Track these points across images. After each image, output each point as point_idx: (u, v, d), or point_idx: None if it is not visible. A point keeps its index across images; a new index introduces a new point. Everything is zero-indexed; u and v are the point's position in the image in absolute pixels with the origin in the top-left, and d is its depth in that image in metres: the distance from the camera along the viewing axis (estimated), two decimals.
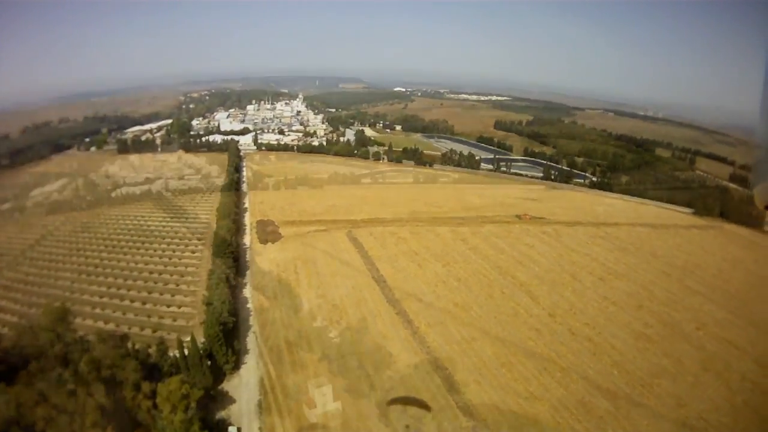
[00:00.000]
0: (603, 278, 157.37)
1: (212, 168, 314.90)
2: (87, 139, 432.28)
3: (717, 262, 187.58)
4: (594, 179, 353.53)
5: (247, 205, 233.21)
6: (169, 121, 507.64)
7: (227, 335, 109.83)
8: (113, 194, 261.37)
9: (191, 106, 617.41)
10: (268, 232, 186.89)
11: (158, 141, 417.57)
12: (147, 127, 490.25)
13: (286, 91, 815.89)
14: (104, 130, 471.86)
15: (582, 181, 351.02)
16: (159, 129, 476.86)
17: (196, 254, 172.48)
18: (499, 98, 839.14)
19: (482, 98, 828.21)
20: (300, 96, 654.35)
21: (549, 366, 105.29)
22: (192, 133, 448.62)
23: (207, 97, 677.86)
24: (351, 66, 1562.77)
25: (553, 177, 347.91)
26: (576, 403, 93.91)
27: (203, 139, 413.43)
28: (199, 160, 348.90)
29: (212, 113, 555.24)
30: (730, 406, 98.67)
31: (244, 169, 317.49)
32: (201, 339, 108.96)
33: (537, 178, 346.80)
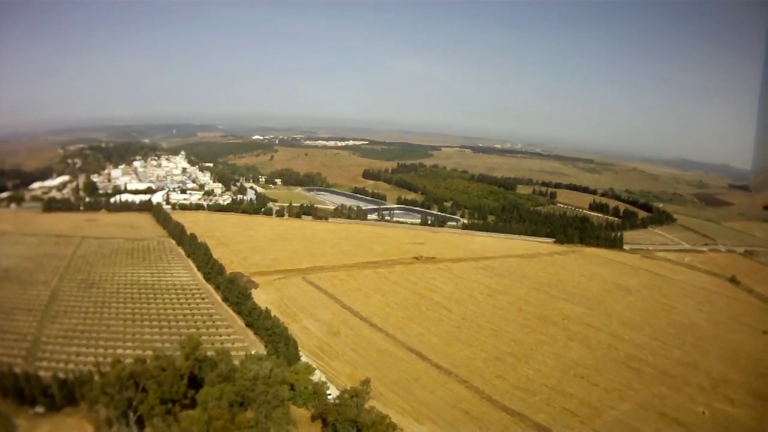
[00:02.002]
0: (490, 295, 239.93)
1: (149, 227, 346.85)
2: (1, 196, 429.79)
3: (576, 278, 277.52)
4: (465, 221, 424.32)
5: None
6: (67, 177, 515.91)
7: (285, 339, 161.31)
8: (84, 250, 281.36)
9: (76, 161, 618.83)
10: (244, 281, 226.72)
11: (72, 199, 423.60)
12: (48, 183, 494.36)
13: (147, 141, 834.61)
14: (9, 185, 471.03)
15: (455, 224, 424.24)
16: (63, 186, 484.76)
17: (205, 300, 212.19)
18: (356, 143, 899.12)
19: (340, 143, 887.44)
20: (182, 153, 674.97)
21: (473, 344, 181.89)
22: (100, 192, 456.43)
23: (87, 152, 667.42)
24: (203, 111, 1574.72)
25: (430, 222, 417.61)
26: (494, 359, 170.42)
27: (119, 198, 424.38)
28: (129, 219, 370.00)
29: (104, 169, 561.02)
30: (592, 357, 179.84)
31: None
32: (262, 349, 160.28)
33: (416, 224, 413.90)
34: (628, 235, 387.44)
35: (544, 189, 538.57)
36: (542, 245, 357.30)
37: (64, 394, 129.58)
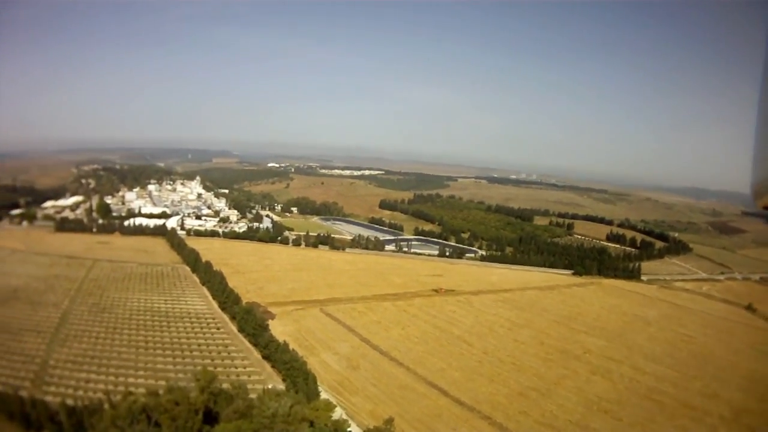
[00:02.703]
0: (511, 329, 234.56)
1: (162, 252, 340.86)
2: (11, 213, 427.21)
3: (595, 310, 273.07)
4: (483, 253, 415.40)
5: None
6: (80, 198, 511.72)
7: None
8: (96, 273, 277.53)
9: (90, 181, 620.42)
10: (261, 312, 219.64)
11: (85, 220, 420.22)
12: (61, 203, 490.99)
13: (162, 165, 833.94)
14: (22, 202, 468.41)
15: (473, 255, 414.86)
16: (76, 206, 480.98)
17: (221, 330, 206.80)
18: (372, 172, 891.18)
19: (355, 173, 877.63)
20: (198, 178, 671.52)
21: (495, 378, 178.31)
22: (114, 214, 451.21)
23: (101, 173, 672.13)
24: (218, 137, 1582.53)
25: (447, 254, 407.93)
26: (517, 395, 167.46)
27: (133, 221, 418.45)
28: (143, 243, 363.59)
29: (117, 191, 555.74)
30: (615, 390, 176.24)
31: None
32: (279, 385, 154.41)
33: (433, 255, 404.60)
34: (646, 265, 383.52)
35: (561, 220, 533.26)
36: (561, 277, 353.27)
37: (73, 422, 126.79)
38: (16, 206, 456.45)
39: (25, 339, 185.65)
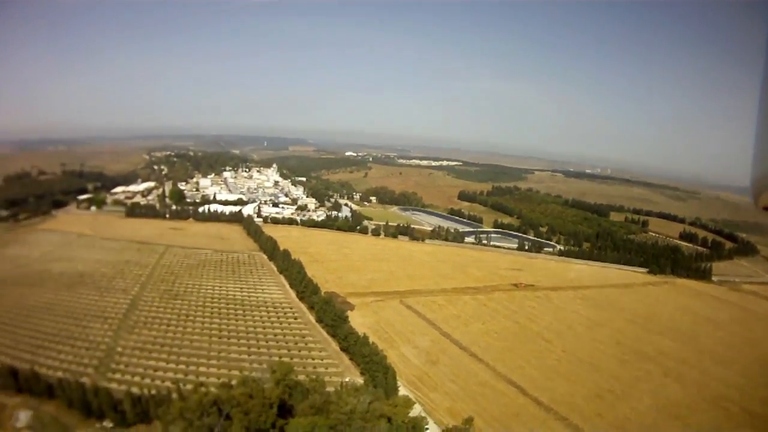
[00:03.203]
0: (589, 327, 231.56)
1: (238, 239, 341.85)
2: (80, 197, 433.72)
3: (669, 310, 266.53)
4: (561, 248, 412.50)
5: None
6: (152, 183, 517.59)
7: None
8: (168, 259, 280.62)
9: (162, 167, 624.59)
10: (340, 302, 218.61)
11: (157, 206, 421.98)
12: (132, 188, 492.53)
13: (237, 152, 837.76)
14: (90, 187, 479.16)
15: (551, 250, 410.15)
16: (148, 192, 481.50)
17: (298, 320, 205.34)
18: (450, 163, 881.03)
19: (433, 163, 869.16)
20: (274, 165, 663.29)
21: (573, 378, 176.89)
22: (188, 200, 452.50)
23: (175, 159, 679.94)
24: (293, 125, 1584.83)
25: (526, 248, 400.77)
26: (593, 396, 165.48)
27: (207, 208, 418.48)
28: (218, 230, 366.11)
29: (191, 178, 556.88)
30: (685, 395, 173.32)
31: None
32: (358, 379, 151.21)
33: (512, 248, 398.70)
34: (716, 266, 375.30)
35: (635, 217, 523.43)
36: (636, 275, 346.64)
37: (137, 412, 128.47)
38: (85, 191, 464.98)
39: (90, 325, 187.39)
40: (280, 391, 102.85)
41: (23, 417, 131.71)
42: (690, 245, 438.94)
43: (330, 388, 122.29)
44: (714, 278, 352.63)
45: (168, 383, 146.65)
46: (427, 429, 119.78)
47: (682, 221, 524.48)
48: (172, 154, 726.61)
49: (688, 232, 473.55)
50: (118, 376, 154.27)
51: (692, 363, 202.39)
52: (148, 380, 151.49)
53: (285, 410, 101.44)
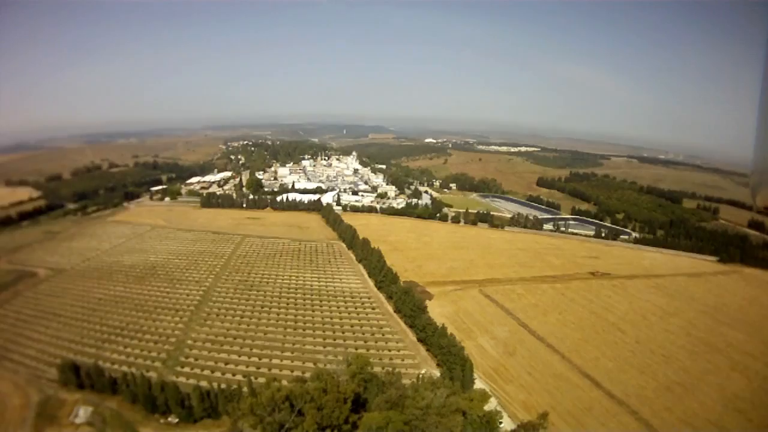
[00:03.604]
0: (662, 317, 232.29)
1: (317, 228, 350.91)
2: (153, 189, 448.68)
3: (738, 301, 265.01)
4: (636, 235, 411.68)
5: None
6: (228, 173, 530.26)
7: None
8: (244, 249, 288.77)
9: (239, 157, 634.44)
10: (418, 292, 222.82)
11: (234, 196, 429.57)
12: (208, 178, 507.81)
13: (316, 140, 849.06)
14: (164, 178, 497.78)
15: (627, 237, 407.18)
16: (224, 182, 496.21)
17: (376, 310, 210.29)
18: (528, 149, 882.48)
19: (512, 149, 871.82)
20: (354, 153, 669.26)
21: (645, 370, 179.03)
22: (265, 189, 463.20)
23: (252, 148, 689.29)
24: (372, 112, 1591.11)
25: (603, 235, 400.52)
26: (663, 389, 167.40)
27: (286, 197, 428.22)
28: (296, 219, 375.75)
29: (269, 167, 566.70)
30: (750, 389, 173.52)
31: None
32: (433, 370, 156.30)
33: (589, 236, 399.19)
34: None
35: (707, 204, 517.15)
36: (706, 264, 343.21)
37: (205, 407, 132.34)
38: (158, 183, 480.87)
39: (161, 318, 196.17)
40: (355, 385, 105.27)
41: (83, 413, 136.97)
42: (758, 234, 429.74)
43: (406, 381, 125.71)
44: None
45: (239, 377, 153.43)
46: (501, 423, 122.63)
47: (750, 209, 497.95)
48: (250, 143, 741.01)
49: (757, 220, 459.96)
50: (186, 369, 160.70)
51: (758, 356, 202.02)
52: (218, 374, 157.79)
53: (359, 404, 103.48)
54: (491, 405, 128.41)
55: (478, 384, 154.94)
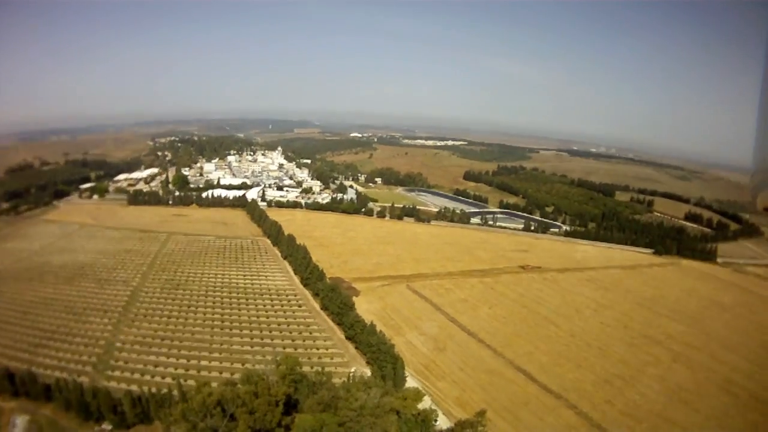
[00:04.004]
0: (597, 310, 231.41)
1: (242, 224, 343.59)
2: (82, 186, 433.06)
3: (675, 293, 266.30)
4: (567, 228, 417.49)
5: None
6: (155, 170, 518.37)
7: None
8: (170, 247, 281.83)
9: (166, 153, 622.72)
10: (345, 288, 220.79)
11: (161, 193, 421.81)
12: (135, 175, 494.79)
13: (242, 135, 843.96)
14: (93, 176, 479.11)
15: (557, 230, 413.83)
16: (151, 178, 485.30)
17: (302, 307, 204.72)
18: (455, 143, 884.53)
19: (438, 143, 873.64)
20: (279, 149, 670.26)
21: (582, 364, 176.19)
22: (191, 186, 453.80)
23: (178, 144, 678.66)
24: (297, 107, 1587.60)
25: (532, 228, 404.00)
26: (602, 382, 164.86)
27: (211, 193, 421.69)
28: (221, 215, 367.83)
29: (195, 163, 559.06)
30: (694, 380, 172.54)
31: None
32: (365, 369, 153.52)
33: (518, 229, 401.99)
34: (721, 247, 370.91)
35: (640, 196, 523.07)
36: (641, 256, 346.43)
37: (137, 412, 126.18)
38: (87, 180, 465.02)
39: (90, 320, 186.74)
40: (285, 386, 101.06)
41: (20, 422, 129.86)
42: (695, 226, 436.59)
43: (336, 380, 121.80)
44: (719, 260, 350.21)
45: (169, 379, 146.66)
46: (436, 422, 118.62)
47: (686, 201, 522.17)
48: (177, 139, 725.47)
49: (693, 212, 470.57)
50: (117, 373, 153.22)
51: (699, 347, 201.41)
52: (148, 377, 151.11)
53: (290, 406, 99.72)
54: (425, 403, 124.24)
55: (410, 382, 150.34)
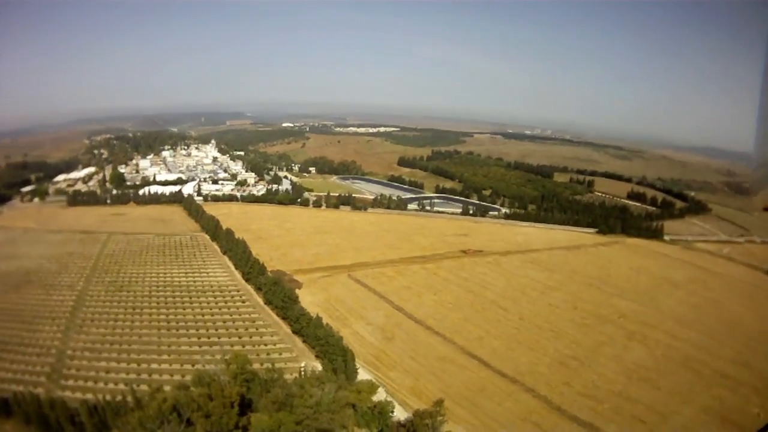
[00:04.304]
0: (544, 292, 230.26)
1: (180, 221, 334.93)
2: (23, 190, 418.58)
3: (624, 271, 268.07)
4: (506, 211, 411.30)
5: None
6: (93, 169, 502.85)
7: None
8: (111, 248, 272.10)
9: (102, 151, 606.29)
10: (287, 280, 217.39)
11: (99, 192, 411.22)
12: (74, 175, 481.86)
13: (176, 130, 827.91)
14: (33, 178, 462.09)
15: (496, 213, 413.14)
16: (89, 177, 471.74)
17: (246, 303, 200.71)
18: (387, 129, 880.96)
19: (371, 130, 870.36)
20: (213, 141, 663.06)
21: (534, 347, 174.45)
22: (128, 183, 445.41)
23: (114, 142, 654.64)
24: (231, 99, 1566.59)
25: (471, 212, 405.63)
26: (558, 364, 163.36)
27: (148, 189, 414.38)
28: (159, 212, 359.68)
29: (131, 160, 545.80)
30: (652, 358, 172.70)
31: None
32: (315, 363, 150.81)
33: (457, 213, 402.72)
34: (667, 225, 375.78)
35: (580, 177, 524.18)
36: (585, 236, 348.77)
37: (95, 422, 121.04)
38: (27, 183, 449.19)
39: (39, 328, 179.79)
40: (238, 386, 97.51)
41: None
42: (638, 204, 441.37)
43: (288, 375, 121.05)
44: (666, 237, 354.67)
45: (122, 386, 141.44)
46: (393, 414, 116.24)
47: (628, 181, 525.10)
48: (112, 137, 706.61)
49: (636, 191, 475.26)
50: (71, 383, 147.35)
51: (654, 324, 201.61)
52: (101, 384, 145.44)
53: (245, 406, 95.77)
54: (380, 395, 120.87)
55: (362, 374, 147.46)
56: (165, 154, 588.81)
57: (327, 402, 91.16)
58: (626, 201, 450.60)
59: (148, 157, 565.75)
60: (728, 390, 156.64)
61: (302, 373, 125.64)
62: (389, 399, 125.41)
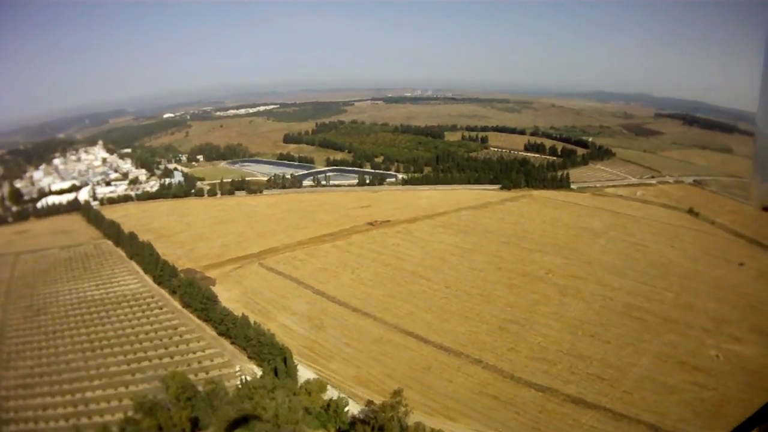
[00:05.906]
0: (463, 256, 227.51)
1: (81, 229, 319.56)
2: None
3: (538, 225, 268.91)
4: (403, 177, 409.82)
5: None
6: None
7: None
8: (21, 269, 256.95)
9: None
10: (199, 278, 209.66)
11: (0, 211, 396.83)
12: None
13: (62, 136, 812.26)
14: None
15: (393, 180, 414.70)
16: None
17: (164, 309, 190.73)
18: (267, 107, 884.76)
19: (251, 110, 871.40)
20: (100, 142, 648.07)
21: (468, 315, 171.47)
22: (26, 198, 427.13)
23: (8, 157, 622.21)
24: (111, 97, 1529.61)
25: (368, 182, 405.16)
26: (497, 330, 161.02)
27: (45, 201, 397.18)
28: (60, 224, 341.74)
29: (25, 173, 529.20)
30: (592, 311, 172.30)
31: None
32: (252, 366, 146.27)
33: (353, 185, 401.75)
34: (572, 173, 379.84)
35: (472, 134, 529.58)
36: (489, 193, 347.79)
37: None
38: None
39: None
40: (183, 409, 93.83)
41: None
42: (538, 156, 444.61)
43: (227, 383, 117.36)
44: (573, 186, 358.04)
45: (62, 422, 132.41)
46: (347, 408, 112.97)
47: (522, 133, 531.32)
48: (5, 152, 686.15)
49: (533, 142, 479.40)
50: (12, 427, 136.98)
51: (585, 277, 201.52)
52: (42, 424, 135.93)
53: (195, 426, 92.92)
54: (330, 392, 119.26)
55: (302, 370, 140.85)
56: (56, 162, 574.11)
57: (284, 413, 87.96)
58: (525, 153, 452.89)
59: (41, 167, 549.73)
60: (678, 334, 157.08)
61: (243, 380, 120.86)
62: (341, 395, 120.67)
